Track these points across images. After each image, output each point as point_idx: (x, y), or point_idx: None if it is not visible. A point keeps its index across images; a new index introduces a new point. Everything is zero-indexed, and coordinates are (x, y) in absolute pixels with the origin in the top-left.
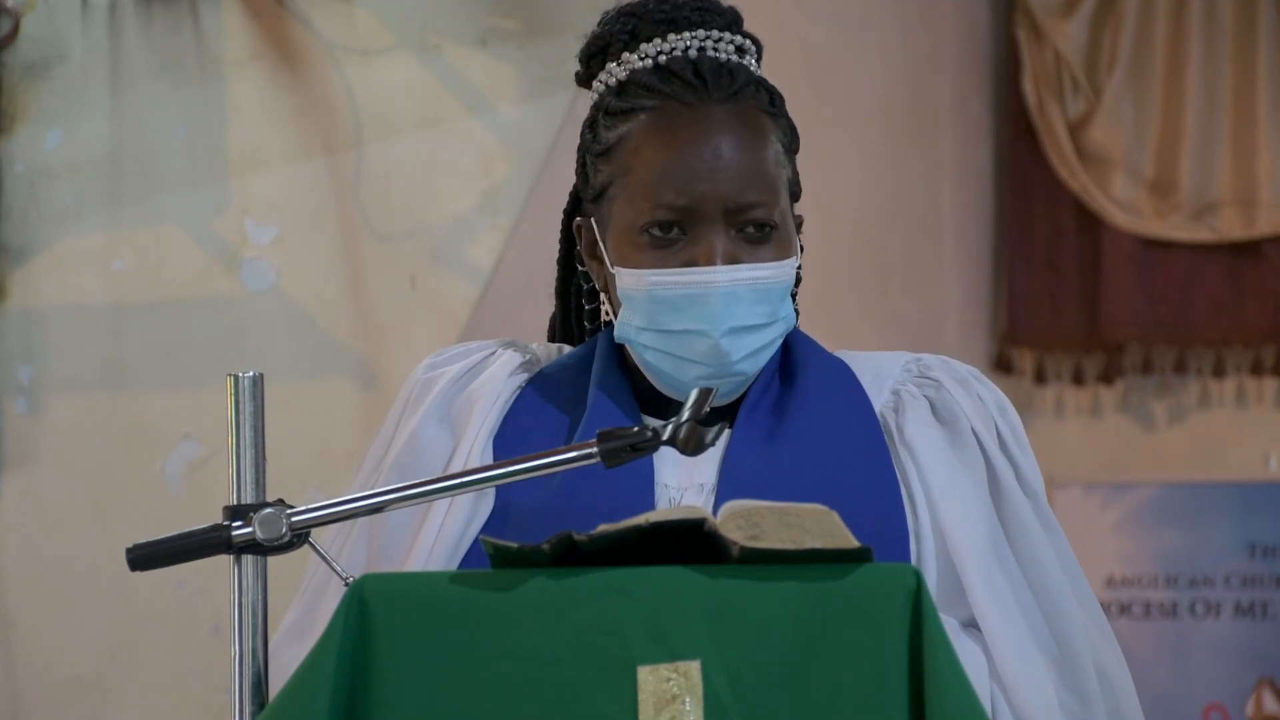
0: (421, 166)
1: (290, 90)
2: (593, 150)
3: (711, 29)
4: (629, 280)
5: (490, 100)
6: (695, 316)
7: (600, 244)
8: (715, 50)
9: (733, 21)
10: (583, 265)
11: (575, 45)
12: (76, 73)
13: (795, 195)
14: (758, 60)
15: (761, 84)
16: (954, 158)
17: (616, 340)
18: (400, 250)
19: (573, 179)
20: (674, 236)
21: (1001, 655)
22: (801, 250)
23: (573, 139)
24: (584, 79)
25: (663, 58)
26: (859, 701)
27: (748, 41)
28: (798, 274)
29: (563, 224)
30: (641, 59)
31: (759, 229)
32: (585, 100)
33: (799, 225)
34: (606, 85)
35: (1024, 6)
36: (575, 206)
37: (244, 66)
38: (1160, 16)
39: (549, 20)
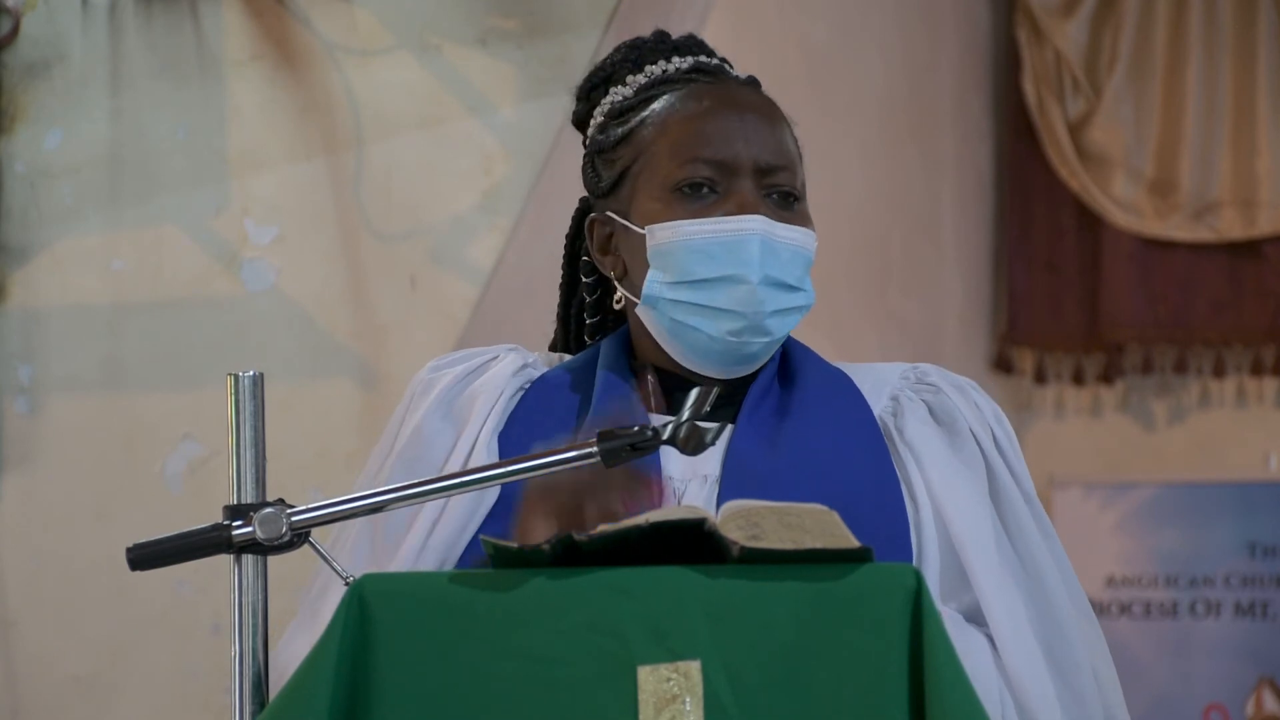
0: (421, 166)
1: (290, 90)
2: (603, 148)
3: (713, 58)
4: (663, 234)
5: (490, 100)
6: (732, 262)
7: (624, 221)
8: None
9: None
10: (587, 277)
11: (575, 45)
12: (76, 73)
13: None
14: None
15: None
16: (954, 158)
17: (642, 303)
18: (400, 250)
19: (573, 180)
20: (706, 195)
21: (1005, 645)
22: None
23: (573, 139)
24: (583, 113)
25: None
26: (859, 701)
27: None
28: None
29: (565, 248)
30: (647, 77)
31: (785, 197)
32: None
33: None
34: (612, 103)
35: (1024, 6)
36: (577, 231)
37: (244, 66)
38: (1160, 16)
39: (549, 20)
